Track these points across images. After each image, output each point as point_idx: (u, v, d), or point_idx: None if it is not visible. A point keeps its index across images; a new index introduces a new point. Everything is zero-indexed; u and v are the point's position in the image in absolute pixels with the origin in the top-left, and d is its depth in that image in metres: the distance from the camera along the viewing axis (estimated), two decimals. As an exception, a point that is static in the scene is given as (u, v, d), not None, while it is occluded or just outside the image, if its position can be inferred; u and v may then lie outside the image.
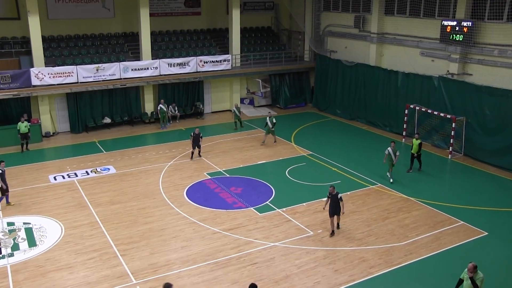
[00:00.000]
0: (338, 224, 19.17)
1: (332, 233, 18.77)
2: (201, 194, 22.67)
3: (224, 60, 36.20)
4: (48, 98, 31.30)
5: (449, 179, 25.46)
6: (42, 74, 30.23)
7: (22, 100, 30.70)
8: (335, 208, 18.49)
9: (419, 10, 31.19)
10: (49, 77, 30.47)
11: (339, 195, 18.39)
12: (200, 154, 27.46)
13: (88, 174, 25.09)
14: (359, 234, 18.92)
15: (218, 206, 21.31)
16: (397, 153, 23.98)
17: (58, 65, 31.74)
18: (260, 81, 38.04)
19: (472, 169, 26.21)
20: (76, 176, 24.81)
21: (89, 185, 23.68)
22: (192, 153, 27.23)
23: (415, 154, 25.42)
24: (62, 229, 19.28)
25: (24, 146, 28.63)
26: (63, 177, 24.65)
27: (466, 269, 13.40)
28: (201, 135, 27.09)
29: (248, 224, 19.64)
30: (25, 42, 32.42)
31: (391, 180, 24.05)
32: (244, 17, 39.03)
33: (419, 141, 25.34)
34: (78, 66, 31.54)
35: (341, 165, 25.87)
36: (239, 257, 17.22)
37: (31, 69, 30.20)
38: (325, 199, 18.99)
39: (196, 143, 26.90)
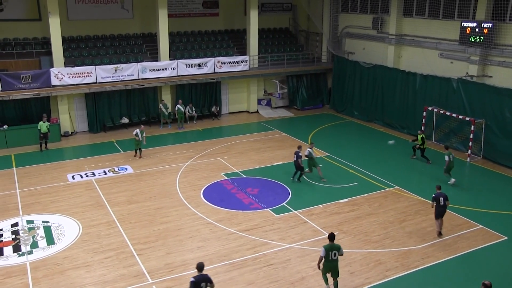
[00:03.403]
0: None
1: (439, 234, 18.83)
2: (217, 194, 22.70)
3: (242, 61, 36.25)
4: (67, 98, 31.60)
5: (468, 182, 25.21)
6: (62, 74, 30.55)
7: (42, 100, 31.10)
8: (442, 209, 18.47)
9: (438, 11, 30.94)
10: (68, 77, 30.78)
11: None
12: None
13: (105, 173, 25.27)
14: (375, 237, 18.82)
15: (235, 207, 21.33)
16: (446, 158, 24.02)
17: (77, 65, 32.04)
18: (278, 82, 38.03)
19: (491, 172, 25.92)
20: (94, 175, 25.01)
21: (107, 184, 23.85)
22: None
23: (420, 147, 26.79)
24: (79, 228, 19.45)
25: (43, 145, 28.94)
26: (81, 177, 24.86)
27: None
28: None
29: (264, 225, 19.62)
30: (46, 42, 32.84)
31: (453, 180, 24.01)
32: (261, 18, 39.04)
33: (421, 135, 26.70)
34: (96, 66, 31.81)
35: (358, 167, 25.74)
36: (255, 258, 17.22)
37: (51, 69, 30.56)
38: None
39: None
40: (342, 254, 14.87)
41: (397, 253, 17.63)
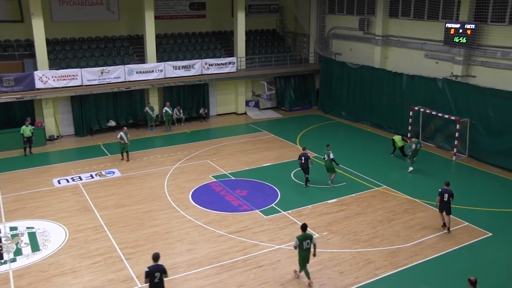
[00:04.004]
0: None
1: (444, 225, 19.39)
2: (206, 197, 22.66)
3: (229, 63, 36.23)
4: (52, 101, 31.33)
5: (454, 180, 25.28)
6: (46, 77, 30.29)
7: (25, 103, 30.65)
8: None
9: (423, 13, 31.20)
10: (53, 80, 30.54)
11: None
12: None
13: (92, 177, 25.10)
14: (364, 236, 18.91)
15: (224, 209, 21.30)
16: (413, 146, 25.57)
17: (63, 68, 31.81)
18: (265, 83, 38.05)
19: (476, 170, 26.17)
20: (81, 179, 24.83)
21: (94, 188, 23.69)
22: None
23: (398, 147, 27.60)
24: (66, 233, 19.25)
25: (27, 149, 28.64)
26: (67, 181, 24.66)
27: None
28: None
29: (253, 226, 19.62)
30: (29, 45, 32.54)
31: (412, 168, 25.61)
32: (249, 20, 39.03)
33: (399, 136, 27.70)
34: (82, 69, 31.59)
35: (347, 167, 25.82)
36: (245, 260, 17.22)
37: (35, 72, 30.26)
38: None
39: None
40: (314, 244, 15.56)
41: (386, 252, 17.72)
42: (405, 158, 27.10)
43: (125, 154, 27.53)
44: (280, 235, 18.89)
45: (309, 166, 23.55)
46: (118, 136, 27.26)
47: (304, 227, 15.54)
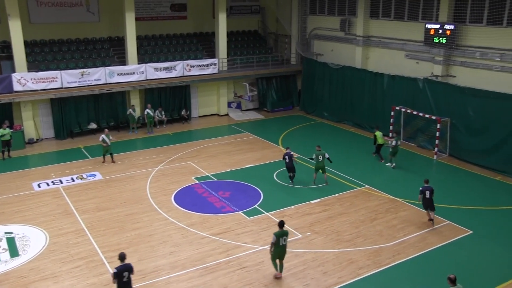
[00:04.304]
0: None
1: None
2: (189, 199, 22.56)
3: (211, 64, 36.16)
4: (32, 104, 30.92)
5: (435, 179, 25.50)
6: (25, 79, 29.91)
7: (3, 106, 30.08)
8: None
9: (404, 14, 31.44)
10: (32, 82, 30.16)
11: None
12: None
13: (73, 180, 24.85)
14: (347, 236, 18.96)
15: (207, 211, 21.22)
16: (394, 143, 26.19)
17: (42, 70, 31.44)
18: (247, 84, 38.02)
19: (457, 169, 26.42)
20: (61, 183, 24.55)
21: (75, 192, 23.44)
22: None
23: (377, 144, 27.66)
24: (46, 237, 19.00)
25: (6, 153, 28.25)
26: (48, 184, 24.38)
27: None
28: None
29: (236, 228, 19.57)
30: (6, 46, 32.01)
31: (394, 165, 26.33)
32: (230, 21, 38.97)
33: (381, 132, 27.70)
34: (62, 71, 31.28)
35: (329, 167, 25.79)
36: (228, 262, 17.16)
37: (13, 74, 29.81)
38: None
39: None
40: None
41: (368, 251, 17.80)
42: (377, 155, 27.62)
43: (108, 156, 27.31)
44: (263, 236, 18.86)
45: (294, 165, 23.78)
46: (100, 138, 27.03)
47: (281, 223, 15.84)
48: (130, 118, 33.24)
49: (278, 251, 15.84)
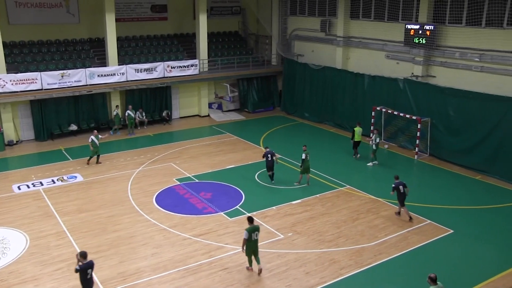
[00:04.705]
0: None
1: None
2: (170, 200, 22.48)
3: (192, 65, 36.09)
4: (11, 106, 30.56)
5: (416, 179, 25.83)
6: (4, 81, 29.56)
7: (-18, 108, 29.89)
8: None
9: (384, 14, 31.67)
10: (12, 84, 29.83)
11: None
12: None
13: (54, 182, 24.64)
14: (329, 236, 19.03)
15: (188, 212, 21.17)
16: (377, 140, 26.50)
17: (21, 72, 31.10)
18: (228, 85, 38.02)
19: (437, 169, 26.65)
20: (42, 185, 24.32)
21: (56, 193, 23.25)
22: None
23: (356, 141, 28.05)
24: (27, 240, 18.81)
25: (-14, 155, 27.97)
26: (28, 187, 24.14)
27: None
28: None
29: (218, 229, 19.54)
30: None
31: (376, 162, 26.79)
32: (211, 22, 38.93)
33: (361, 129, 27.82)
34: (42, 72, 30.98)
35: (311, 168, 25.90)
36: (210, 263, 17.14)
37: (-9, 76, 29.54)
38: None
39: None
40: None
41: (350, 252, 17.88)
42: (355, 152, 28.11)
43: (94, 157, 27.12)
44: (245, 237, 18.86)
45: (275, 164, 24.07)
46: (90, 140, 26.81)
47: (250, 219, 16.23)
48: (116, 119, 33.01)
49: (251, 246, 16.13)
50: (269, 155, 24.08)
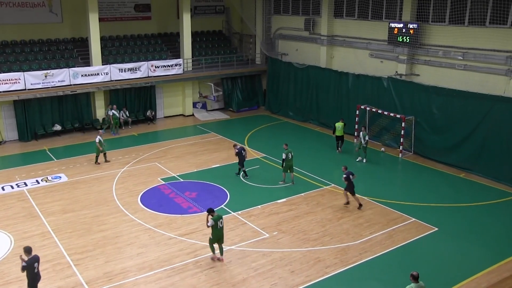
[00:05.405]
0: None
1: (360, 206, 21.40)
2: (155, 199, 22.44)
3: (176, 65, 36.00)
4: (-6, 106, 30.41)
5: (401, 177, 26.05)
6: (-13, 81, 29.36)
7: (-35, 109, 29.61)
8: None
9: (367, 13, 31.83)
10: (-5, 84, 29.62)
11: None
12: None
13: (38, 183, 24.48)
14: (314, 235, 19.11)
15: (173, 211, 21.15)
16: (366, 137, 26.84)
17: (4, 72, 30.80)
18: (213, 85, 37.98)
19: (422, 167, 26.85)
20: (26, 185, 24.15)
21: (40, 194, 23.10)
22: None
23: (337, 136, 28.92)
24: (11, 241, 18.69)
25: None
26: (12, 187, 23.95)
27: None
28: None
29: (204, 228, 19.45)
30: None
31: (364, 160, 27.26)
32: (194, 21, 38.86)
33: (343, 123, 28.68)
34: (25, 72, 30.72)
35: (295, 167, 25.84)
36: (196, 262, 17.15)
37: (-26, 76, 29.22)
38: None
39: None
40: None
41: (335, 250, 17.97)
42: (337, 146, 29.06)
43: (102, 156, 27.17)
44: (230, 236, 18.84)
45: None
46: (97, 140, 26.70)
47: (211, 209, 17.00)
48: (114, 119, 32.85)
49: (218, 233, 16.89)
50: (242, 151, 24.66)
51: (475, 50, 25.78)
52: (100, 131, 27.96)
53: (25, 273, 14.04)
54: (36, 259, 14.29)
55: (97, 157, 27.08)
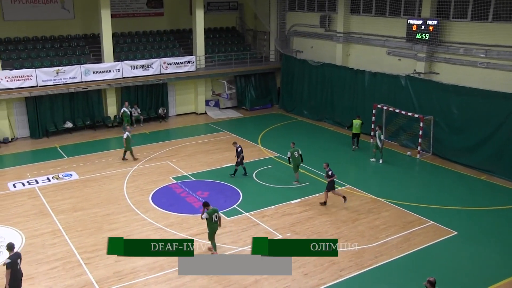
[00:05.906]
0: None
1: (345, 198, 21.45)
2: (167, 199, 22.18)
3: (188, 62, 35.67)
4: (6, 103, 30.24)
5: (418, 179, 25.51)
6: (-1, 77, 29.22)
7: (-23, 105, 29.48)
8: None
9: (385, 9, 31.25)
10: (6, 80, 29.44)
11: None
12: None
13: (49, 180, 24.32)
14: (328, 237, 18.64)
15: (185, 211, 20.86)
16: (382, 137, 26.45)
17: (16, 68, 30.70)
18: (226, 82, 37.69)
19: (440, 168, 26.26)
20: (37, 183, 24.01)
21: (51, 192, 22.94)
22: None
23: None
24: (22, 238, 18.57)
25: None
26: (23, 184, 23.81)
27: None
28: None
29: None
30: (-21, 44, 31.32)
31: (381, 161, 26.78)
32: (208, 18, 38.52)
33: (360, 121, 28.40)
34: (37, 69, 30.58)
35: (309, 167, 25.53)
36: (207, 263, 16.81)
37: (-13, 72, 29.08)
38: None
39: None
40: (219, 216, 17.37)
41: (350, 253, 17.55)
42: (353, 143, 28.89)
43: (129, 154, 27.06)
44: (242, 237, 18.57)
45: None
46: (125, 136, 26.58)
47: (206, 203, 17.12)
48: (124, 116, 32.63)
49: (214, 227, 17.07)
50: (239, 149, 24.45)
51: (499, 47, 25.02)
52: (128, 127, 27.97)
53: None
54: (19, 255, 14.43)
55: (125, 153, 26.98)
